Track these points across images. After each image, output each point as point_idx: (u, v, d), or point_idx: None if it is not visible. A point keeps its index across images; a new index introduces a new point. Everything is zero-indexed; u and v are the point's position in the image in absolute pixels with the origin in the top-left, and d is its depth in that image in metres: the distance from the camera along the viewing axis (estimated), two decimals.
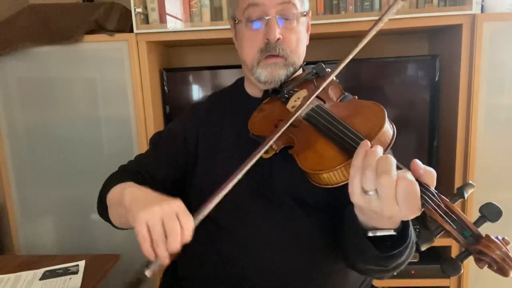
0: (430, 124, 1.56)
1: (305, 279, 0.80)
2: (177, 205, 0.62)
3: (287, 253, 0.80)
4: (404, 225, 0.62)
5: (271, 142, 0.68)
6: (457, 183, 1.47)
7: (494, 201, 0.52)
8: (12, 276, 1.11)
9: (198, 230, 0.89)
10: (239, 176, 0.65)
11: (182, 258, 0.93)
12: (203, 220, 0.89)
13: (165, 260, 0.59)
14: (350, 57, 0.70)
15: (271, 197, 0.82)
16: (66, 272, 1.12)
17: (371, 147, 0.59)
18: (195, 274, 0.87)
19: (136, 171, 0.92)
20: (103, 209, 0.86)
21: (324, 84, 0.72)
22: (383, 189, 0.52)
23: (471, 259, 0.50)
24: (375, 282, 0.98)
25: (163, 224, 0.59)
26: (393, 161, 0.54)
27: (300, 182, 0.74)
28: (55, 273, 1.12)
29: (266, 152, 0.79)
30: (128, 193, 0.69)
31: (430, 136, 1.57)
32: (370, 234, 0.63)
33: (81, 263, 1.16)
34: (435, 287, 1.56)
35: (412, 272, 1.55)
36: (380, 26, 0.72)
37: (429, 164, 1.65)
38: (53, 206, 1.57)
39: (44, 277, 1.10)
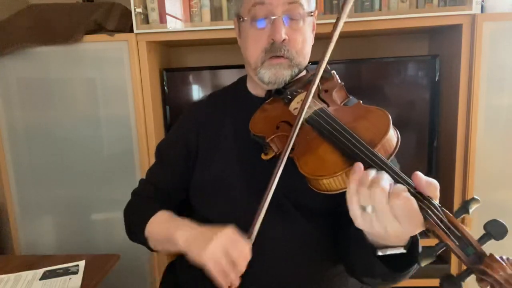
0: (430, 124, 1.56)
1: (305, 283, 0.80)
2: (231, 233, 0.70)
3: (286, 257, 0.79)
4: (413, 240, 0.61)
5: (285, 158, 0.70)
6: (457, 183, 1.47)
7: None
8: (12, 276, 1.11)
9: None
10: (269, 197, 0.70)
11: (181, 263, 0.94)
12: (199, 222, 0.89)
13: (237, 283, 0.69)
14: (329, 51, 0.71)
15: (271, 200, 0.82)
16: (66, 272, 1.12)
17: (375, 152, 0.59)
18: (194, 279, 0.87)
19: (153, 194, 0.94)
20: (137, 236, 0.89)
21: (315, 85, 0.71)
22: (376, 202, 0.52)
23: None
24: None
25: (227, 254, 0.68)
26: (383, 177, 0.54)
27: (300, 186, 0.73)
28: (55, 273, 1.12)
29: (265, 154, 0.79)
30: (180, 236, 0.76)
31: (430, 136, 1.57)
32: (379, 253, 0.61)
33: (81, 263, 1.16)
34: (435, 287, 1.56)
35: None
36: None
37: (429, 165, 1.66)
38: (53, 206, 1.57)
39: (44, 277, 1.10)
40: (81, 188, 1.55)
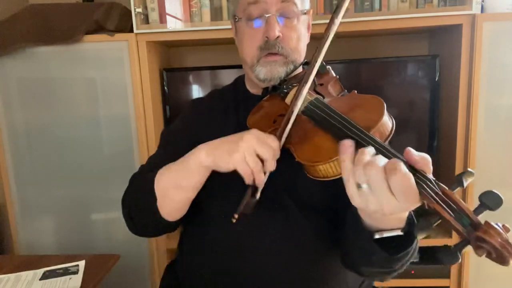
0: (430, 124, 1.56)
1: (304, 282, 0.80)
2: (256, 133, 0.68)
3: (285, 256, 0.79)
4: (410, 224, 0.61)
5: (286, 131, 0.70)
6: None
7: None
8: (12, 276, 1.11)
9: (193, 232, 0.89)
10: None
11: (180, 263, 0.93)
12: (199, 220, 0.88)
13: (263, 182, 0.68)
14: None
15: (269, 198, 0.81)
16: (66, 272, 1.12)
17: (369, 134, 0.59)
18: (194, 279, 0.87)
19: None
20: (144, 210, 0.80)
21: (314, 72, 0.72)
22: (372, 181, 0.52)
23: (470, 255, 0.49)
24: (376, 282, 0.98)
25: (256, 153, 0.66)
26: (378, 155, 0.54)
27: (298, 181, 0.73)
28: (55, 273, 1.12)
29: None
30: (198, 150, 0.72)
31: (430, 136, 1.57)
32: (376, 236, 0.61)
33: (81, 263, 1.16)
34: (435, 287, 1.56)
35: (412, 272, 1.55)
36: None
37: None
38: (53, 206, 1.57)
39: (44, 277, 1.10)
40: (81, 188, 1.55)
